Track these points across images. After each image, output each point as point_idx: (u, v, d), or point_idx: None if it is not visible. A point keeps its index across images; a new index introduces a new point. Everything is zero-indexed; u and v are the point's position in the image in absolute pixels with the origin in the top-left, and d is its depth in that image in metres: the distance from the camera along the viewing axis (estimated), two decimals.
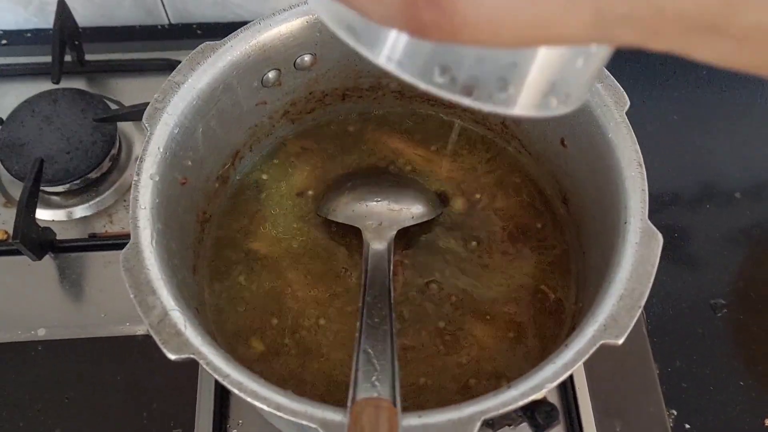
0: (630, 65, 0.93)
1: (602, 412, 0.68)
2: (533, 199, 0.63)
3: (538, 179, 0.64)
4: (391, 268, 0.56)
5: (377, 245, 0.58)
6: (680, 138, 0.89)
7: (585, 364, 0.67)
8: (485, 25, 0.17)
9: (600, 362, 0.70)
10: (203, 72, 0.53)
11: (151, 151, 0.49)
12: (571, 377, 0.68)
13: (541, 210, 0.63)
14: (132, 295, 0.44)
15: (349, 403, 0.42)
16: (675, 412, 0.73)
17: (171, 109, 0.51)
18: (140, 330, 0.70)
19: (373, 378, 0.44)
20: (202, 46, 0.54)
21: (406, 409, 0.42)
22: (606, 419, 0.68)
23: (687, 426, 0.72)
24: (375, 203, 0.60)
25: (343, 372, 0.56)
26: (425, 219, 0.61)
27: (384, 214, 0.59)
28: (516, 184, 0.64)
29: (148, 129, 0.50)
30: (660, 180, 0.86)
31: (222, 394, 0.66)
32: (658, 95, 0.91)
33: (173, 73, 0.52)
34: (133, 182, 0.48)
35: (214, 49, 0.54)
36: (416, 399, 0.54)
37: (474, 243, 0.61)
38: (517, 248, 0.61)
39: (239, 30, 0.55)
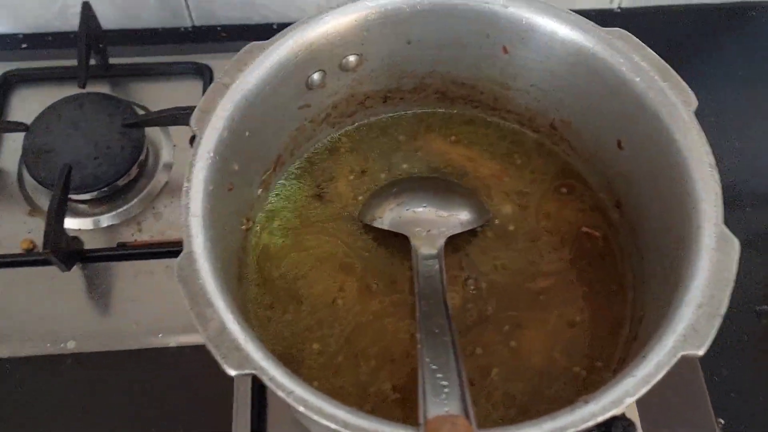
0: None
1: (650, 423, 0.66)
2: (584, 203, 0.61)
3: (590, 183, 0.62)
4: (445, 276, 0.53)
5: (427, 252, 0.55)
6: (719, 141, 0.87)
7: None
8: None
9: None
10: (250, 73, 0.51)
11: (201, 156, 0.47)
12: None
13: (593, 215, 0.61)
14: (189, 307, 0.42)
15: (421, 420, 0.40)
16: (722, 421, 0.71)
17: (219, 112, 0.49)
18: (172, 341, 0.68)
19: (442, 394, 0.42)
20: (249, 46, 0.52)
21: (483, 425, 0.40)
22: (654, 429, 0.66)
23: None
24: (422, 209, 0.58)
25: (392, 385, 0.53)
26: (474, 226, 0.59)
27: (432, 221, 0.57)
28: (566, 188, 0.62)
29: (198, 133, 0.48)
30: None
31: (259, 407, 0.64)
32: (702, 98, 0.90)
33: (221, 74, 0.50)
34: (184, 188, 0.46)
35: (261, 49, 0.52)
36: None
37: (523, 248, 0.59)
38: (567, 253, 0.59)
39: (286, 29, 0.53)
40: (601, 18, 0.93)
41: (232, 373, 0.41)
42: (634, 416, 0.65)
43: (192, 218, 0.45)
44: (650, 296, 0.53)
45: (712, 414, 0.68)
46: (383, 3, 0.55)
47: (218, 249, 0.48)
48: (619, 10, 0.95)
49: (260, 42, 0.52)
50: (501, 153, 0.64)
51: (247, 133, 0.52)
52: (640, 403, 0.66)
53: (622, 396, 0.41)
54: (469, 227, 0.58)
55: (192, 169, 0.47)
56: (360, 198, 0.61)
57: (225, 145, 0.49)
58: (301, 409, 0.40)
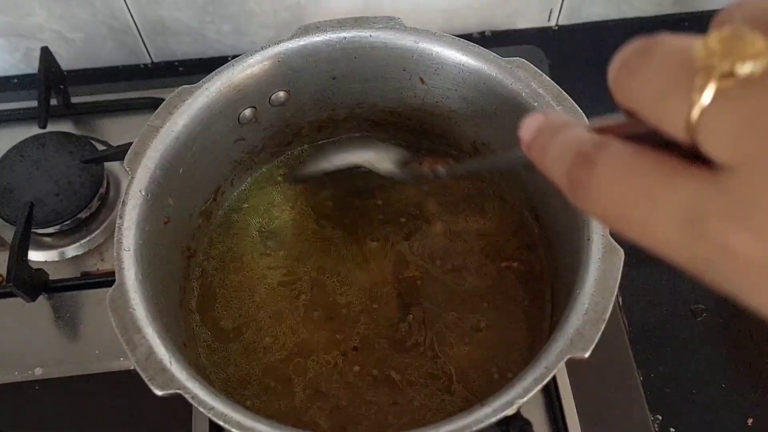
0: (596, 74, 0.95)
1: (588, 422, 0.69)
2: (508, 219, 0.66)
3: (512, 200, 0.66)
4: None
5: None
6: None
7: (569, 375, 0.71)
8: (600, 213, 0.24)
9: (583, 372, 0.72)
10: (180, 115, 0.55)
11: (133, 194, 0.52)
12: (555, 388, 0.70)
13: (516, 230, 0.65)
14: (119, 335, 0.46)
15: None
16: (660, 417, 0.75)
17: (151, 152, 0.53)
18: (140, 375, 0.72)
19: None
20: (178, 89, 0.56)
21: None
22: (592, 427, 0.69)
23: (672, 430, 0.74)
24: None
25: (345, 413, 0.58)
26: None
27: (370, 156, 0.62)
28: (491, 204, 0.66)
29: (130, 173, 0.52)
30: None
31: (219, 427, 0.67)
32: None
33: (152, 117, 0.55)
34: (117, 225, 0.50)
35: (190, 93, 0.56)
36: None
37: (451, 265, 0.63)
38: (493, 268, 0.63)
39: (213, 73, 0.57)
40: (541, 36, 0.99)
41: (159, 392, 0.45)
42: (573, 416, 0.69)
43: (124, 252, 0.49)
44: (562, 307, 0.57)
45: (647, 410, 0.71)
46: (303, 44, 0.59)
47: (154, 279, 0.52)
48: (556, 28, 0.99)
49: (189, 86, 0.57)
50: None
51: (181, 170, 0.56)
52: (579, 403, 0.70)
53: (514, 398, 0.45)
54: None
55: (124, 207, 0.51)
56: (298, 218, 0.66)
57: (157, 183, 0.54)
58: (221, 423, 0.44)
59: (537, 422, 0.66)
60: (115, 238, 0.50)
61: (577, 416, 0.69)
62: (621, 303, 0.79)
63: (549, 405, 0.69)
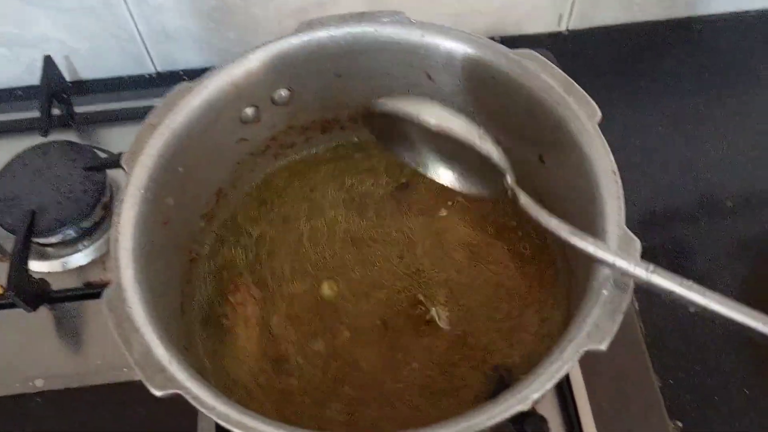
0: (610, 77, 0.94)
1: (605, 428, 0.67)
2: (517, 220, 0.64)
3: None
4: None
5: None
6: (667, 150, 0.90)
7: (585, 381, 0.68)
8: None
9: (600, 377, 0.69)
10: (179, 112, 0.54)
11: (130, 193, 0.50)
12: (571, 395, 0.67)
13: (527, 232, 0.63)
14: (115, 334, 0.45)
15: None
16: (681, 424, 0.72)
17: (149, 150, 0.52)
18: (137, 376, 0.70)
19: None
20: (178, 86, 0.55)
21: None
22: None
23: None
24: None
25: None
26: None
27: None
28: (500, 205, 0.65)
29: (127, 171, 0.51)
30: (653, 195, 0.86)
31: None
32: (641, 107, 0.92)
33: (149, 115, 0.53)
34: (113, 224, 0.49)
35: (189, 90, 0.55)
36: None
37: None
38: (505, 267, 0.62)
39: (213, 69, 0.56)
40: (552, 40, 0.97)
41: (158, 393, 0.43)
42: (589, 422, 0.67)
43: (122, 251, 0.48)
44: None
45: (665, 417, 0.69)
46: (306, 39, 0.58)
47: (154, 281, 0.50)
48: (567, 32, 0.98)
49: (188, 83, 0.55)
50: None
51: (180, 169, 0.55)
52: (595, 411, 0.68)
53: (528, 393, 0.43)
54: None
55: (121, 205, 0.50)
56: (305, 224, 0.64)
57: (156, 182, 0.52)
58: (224, 424, 0.42)
59: (553, 427, 0.64)
60: (112, 237, 0.48)
61: (593, 422, 0.67)
62: (638, 308, 0.77)
63: (564, 411, 0.67)
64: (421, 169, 0.57)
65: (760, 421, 0.73)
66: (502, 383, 0.55)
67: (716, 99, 0.93)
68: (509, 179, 0.51)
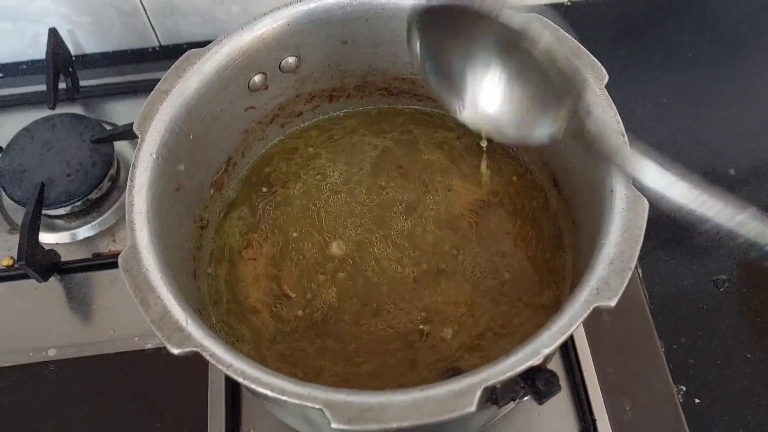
0: (614, 50, 0.95)
1: (611, 393, 0.68)
2: (525, 186, 0.64)
3: (529, 164, 0.65)
4: None
5: None
6: (672, 120, 0.90)
7: (590, 345, 0.69)
8: None
9: (605, 343, 0.70)
10: (189, 79, 0.55)
11: (142, 157, 0.51)
12: (577, 361, 0.68)
13: (534, 195, 0.64)
14: (132, 295, 0.45)
15: None
16: (684, 388, 0.73)
17: (160, 116, 0.53)
18: (149, 344, 0.71)
19: None
20: (187, 53, 0.55)
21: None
22: (615, 399, 0.68)
23: (697, 401, 0.72)
24: None
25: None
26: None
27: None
28: (508, 171, 0.65)
29: (139, 136, 0.51)
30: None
31: (233, 401, 0.67)
32: (646, 78, 0.92)
33: (160, 81, 0.54)
34: (128, 188, 0.49)
35: (198, 56, 0.55)
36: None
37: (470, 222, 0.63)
38: (512, 228, 0.62)
39: (222, 36, 0.56)
40: (554, 12, 0.97)
41: (175, 351, 0.44)
42: (595, 387, 0.68)
43: (136, 214, 0.48)
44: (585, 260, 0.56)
45: (670, 381, 0.70)
46: (313, 6, 0.58)
47: (167, 245, 0.51)
48: (569, 3, 0.98)
49: (197, 49, 0.56)
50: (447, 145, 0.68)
51: (191, 136, 0.55)
52: (601, 375, 0.69)
53: (539, 347, 0.43)
54: None
55: (135, 170, 0.50)
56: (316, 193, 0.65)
57: (168, 148, 0.53)
58: (240, 380, 0.43)
59: (558, 396, 0.65)
60: (126, 200, 0.49)
61: (599, 388, 0.68)
62: (641, 275, 0.78)
63: (571, 377, 0.68)
64: (461, 113, 0.52)
65: (762, 384, 0.74)
66: None
67: (721, 69, 0.93)
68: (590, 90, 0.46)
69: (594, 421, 0.66)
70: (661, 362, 0.71)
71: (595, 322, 0.72)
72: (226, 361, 0.43)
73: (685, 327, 0.77)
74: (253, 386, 0.42)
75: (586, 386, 0.68)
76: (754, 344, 0.76)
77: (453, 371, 0.55)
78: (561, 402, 0.67)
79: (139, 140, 0.52)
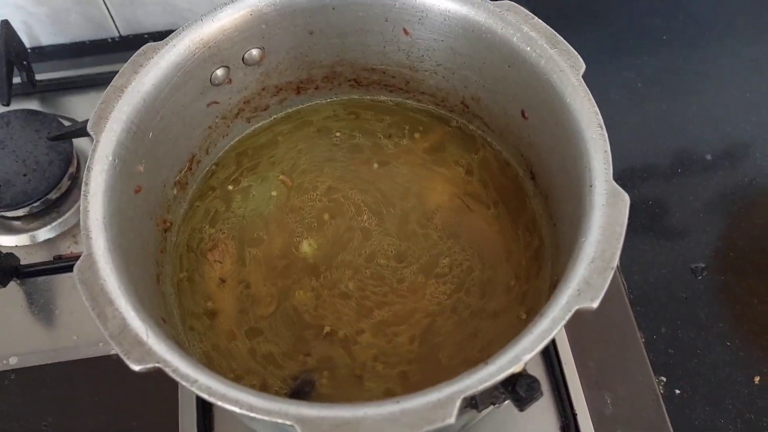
0: (585, 34, 0.93)
1: (591, 386, 0.67)
2: (503, 176, 0.62)
3: (505, 156, 0.63)
4: None
5: None
6: (646, 105, 0.89)
7: (569, 338, 0.68)
8: None
9: (584, 335, 0.69)
10: (146, 74, 0.52)
11: (98, 159, 0.48)
12: (556, 354, 0.67)
13: (510, 188, 0.62)
14: (89, 308, 0.42)
15: None
16: (664, 379, 0.73)
17: (116, 115, 0.50)
18: (113, 350, 0.68)
19: None
20: (144, 47, 0.52)
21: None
22: (596, 392, 0.67)
23: (677, 391, 0.72)
24: None
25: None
26: None
27: None
28: (483, 162, 0.63)
29: (94, 137, 0.49)
30: (632, 151, 0.86)
31: (204, 408, 0.64)
32: (620, 62, 0.91)
33: (115, 77, 0.51)
34: (83, 193, 0.46)
35: (156, 50, 0.52)
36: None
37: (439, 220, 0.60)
38: (486, 225, 0.60)
39: (180, 28, 0.54)
40: None
41: (136, 367, 0.41)
42: (575, 381, 0.66)
43: (92, 221, 0.46)
44: (564, 259, 0.54)
45: (651, 372, 0.69)
46: None
47: (127, 251, 0.48)
48: None
49: (155, 43, 0.53)
50: (421, 132, 0.65)
51: (150, 134, 0.53)
52: (580, 368, 0.67)
53: (520, 354, 0.41)
54: None
55: (90, 173, 0.47)
56: (278, 195, 0.62)
57: (125, 148, 0.50)
58: (205, 396, 0.40)
59: None
60: (81, 206, 0.46)
61: (579, 381, 0.67)
62: (619, 265, 0.76)
63: (551, 372, 0.67)
64: None
65: (742, 372, 0.73)
66: None
67: (696, 52, 0.92)
68: None
69: (575, 415, 0.64)
70: (642, 354, 0.70)
71: (574, 314, 0.70)
72: (191, 377, 0.41)
73: (664, 317, 0.76)
74: (219, 403, 0.40)
75: (566, 381, 0.66)
76: (733, 333, 0.76)
77: None
78: (541, 398, 0.66)
79: (93, 141, 0.49)
